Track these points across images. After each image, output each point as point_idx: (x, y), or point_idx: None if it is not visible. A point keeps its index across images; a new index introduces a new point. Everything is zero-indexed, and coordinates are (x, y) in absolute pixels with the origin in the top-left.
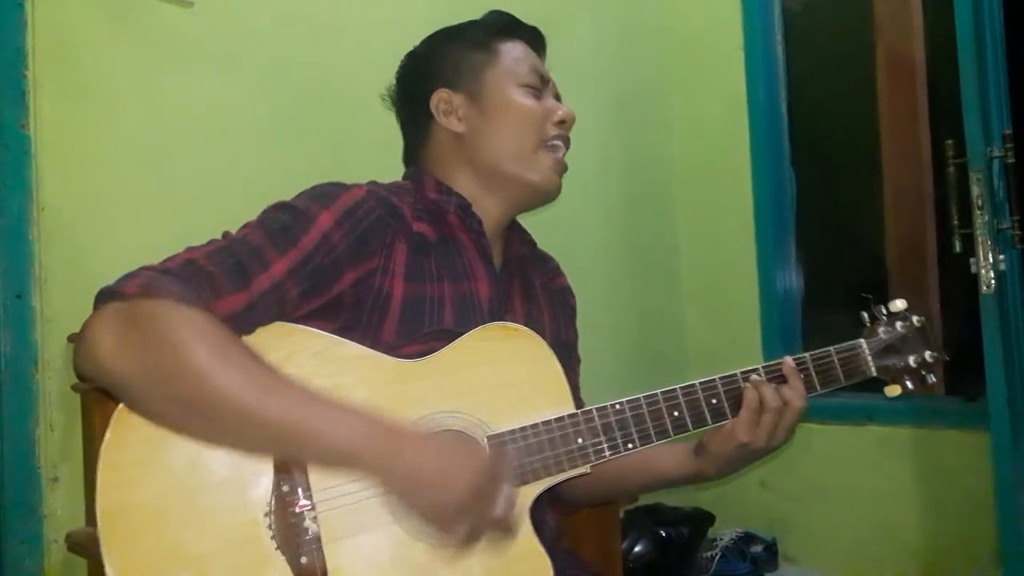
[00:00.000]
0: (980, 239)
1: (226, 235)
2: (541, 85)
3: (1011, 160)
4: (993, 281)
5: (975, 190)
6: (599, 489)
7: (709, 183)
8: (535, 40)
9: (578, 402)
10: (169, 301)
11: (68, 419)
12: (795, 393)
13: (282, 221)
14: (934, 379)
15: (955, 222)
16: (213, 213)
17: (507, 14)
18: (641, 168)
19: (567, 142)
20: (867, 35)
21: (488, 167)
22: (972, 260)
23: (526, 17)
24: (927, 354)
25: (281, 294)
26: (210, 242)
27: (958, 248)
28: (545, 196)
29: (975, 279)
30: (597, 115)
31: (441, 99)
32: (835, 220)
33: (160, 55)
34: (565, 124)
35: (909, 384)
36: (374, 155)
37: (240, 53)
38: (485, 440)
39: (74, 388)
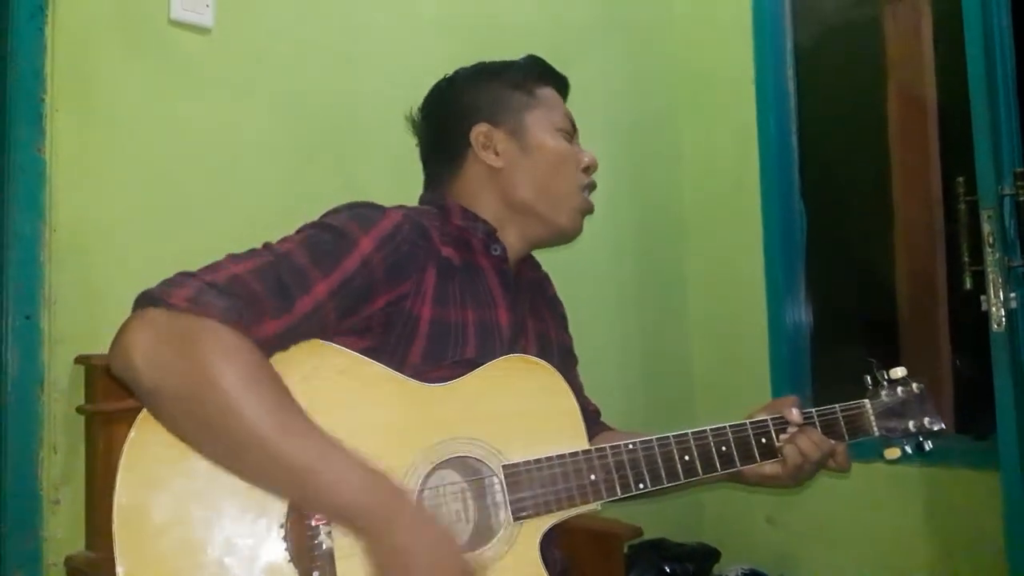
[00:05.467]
0: (991, 276)
1: (268, 246)
2: (572, 131)
3: (1022, 198)
4: (1004, 319)
5: (986, 227)
6: None
7: (719, 215)
8: (564, 88)
9: (584, 400)
10: (212, 321)
11: (71, 442)
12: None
13: (325, 241)
14: (931, 446)
15: (966, 259)
16: (224, 237)
17: (543, 61)
18: (651, 200)
19: (593, 187)
20: (879, 71)
21: (520, 203)
22: (983, 298)
23: (538, 49)
24: (926, 420)
25: (322, 315)
26: (252, 252)
27: (968, 285)
28: (567, 238)
29: (986, 317)
30: (608, 146)
31: (481, 132)
32: (845, 255)
33: (176, 80)
34: (590, 170)
35: (908, 449)
36: (383, 180)
37: (255, 79)
38: (501, 469)
39: (79, 410)
